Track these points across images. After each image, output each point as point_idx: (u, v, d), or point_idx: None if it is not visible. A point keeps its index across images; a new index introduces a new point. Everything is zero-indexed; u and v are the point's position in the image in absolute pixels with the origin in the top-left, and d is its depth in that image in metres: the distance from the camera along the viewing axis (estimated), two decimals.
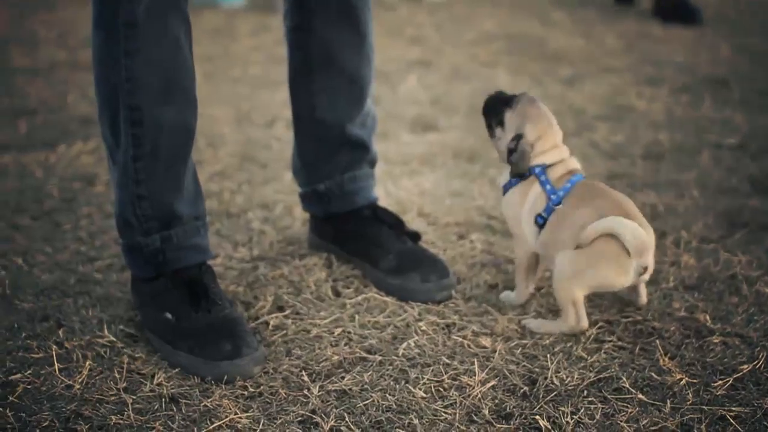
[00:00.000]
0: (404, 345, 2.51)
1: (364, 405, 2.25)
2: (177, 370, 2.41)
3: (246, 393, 2.31)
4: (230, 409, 2.24)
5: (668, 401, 2.27)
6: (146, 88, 2.44)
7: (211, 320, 2.49)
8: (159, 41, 2.44)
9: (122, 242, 2.63)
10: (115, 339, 2.54)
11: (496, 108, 2.72)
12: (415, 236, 2.95)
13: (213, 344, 2.42)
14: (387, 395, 2.29)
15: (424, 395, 2.29)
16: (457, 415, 2.22)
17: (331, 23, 2.79)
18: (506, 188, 2.72)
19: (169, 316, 2.52)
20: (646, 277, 2.57)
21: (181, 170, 2.57)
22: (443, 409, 2.24)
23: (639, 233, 2.49)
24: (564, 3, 7.61)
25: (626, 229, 2.48)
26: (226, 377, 2.38)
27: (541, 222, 2.63)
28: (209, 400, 2.28)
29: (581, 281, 2.53)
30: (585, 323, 2.57)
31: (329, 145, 2.92)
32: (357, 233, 2.94)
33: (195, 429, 2.17)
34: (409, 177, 3.71)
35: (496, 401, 2.27)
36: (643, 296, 2.72)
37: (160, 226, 2.56)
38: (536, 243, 2.66)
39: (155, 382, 2.36)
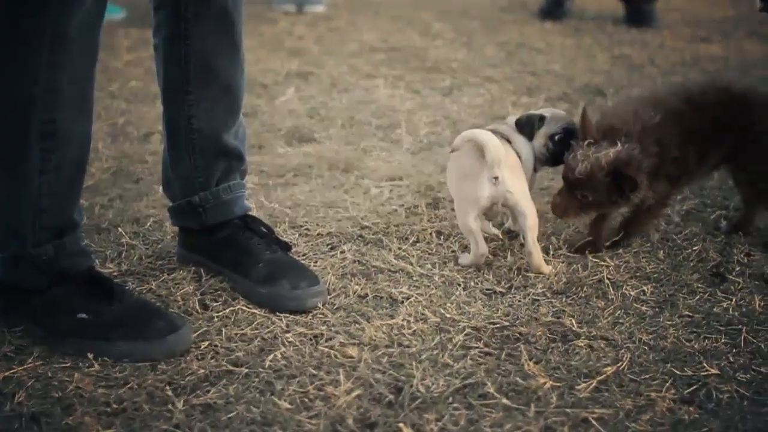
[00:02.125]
0: (271, 357, 2.49)
1: (228, 418, 2.23)
2: (39, 387, 2.36)
3: (109, 410, 2.27)
4: (92, 426, 2.20)
5: (532, 405, 2.29)
6: (66, 101, 2.42)
7: (128, 307, 2.55)
8: (86, 55, 2.43)
9: (3, 256, 2.58)
10: None
11: None
12: (286, 246, 2.94)
13: (148, 325, 2.49)
14: (252, 407, 2.27)
15: (289, 406, 2.28)
16: (322, 425, 2.21)
17: (209, 33, 2.77)
18: None
19: (84, 316, 2.51)
20: (510, 198, 2.96)
21: (81, 180, 2.59)
22: (308, 420, 2.23)
23: (497, 145, 2.91)
24: (446, 14, 7.68)
25: (487, 138, 2.93)
26: (173, 351, 2.48)
27: None
28: (71, 417, 2.24)
29: (459, 206, 3.01)
30: (483, 249, 3.00)
31: (206, 156, 2.89)
32: (227, 244, 2.92)
33: None
34: (283, 189, 3.70)
35: (361, 410, 2.27)
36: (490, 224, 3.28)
37: (53, 236, 2.54)
38: None
39: (16, 401, 2.31)
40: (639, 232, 3.23)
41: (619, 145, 2.96)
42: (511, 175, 2.97)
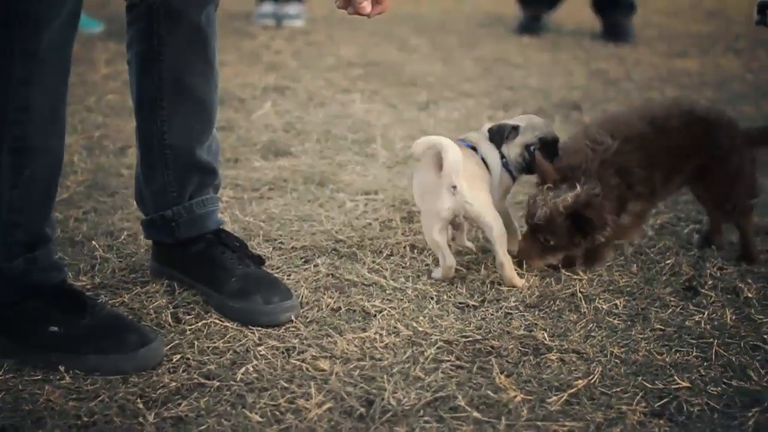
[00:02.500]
0: (243, 370, 2.49)
1: (200, 431, 2.23)
2: (9, 400, 2.35)
3: (80, 423, 2.26)
4: None
5: (503, 418, 2.29)
6: (38, 117, 2.42)
7: (100, 320, 2.54)
8: (57, 71, 2.43)
9: None
10: None
11: None
12: (259, 260, 2.94)
13: (120, 338, 2.49)
14: (223, 420, 2.27)
15: (260, 419, 2.28)
16: None
17: (182, 49, 2.77)
18: None
19: (55, 329, 2.51)
20: (470, 210, 2.98)
21: (52, 194, 2.58)
22: None
23: (456, 151, 2.93)
24: (423, 29, 7.71)
25: (446, 143, 2.94)
26: (145, 364, 2.48)
27: None
28: (41, 430, 2.23)
29: (423, 219, 3.08)
30: (451, 262, 3.03)
31: (179, 170, 2.89)
32: (200, 258, 2.92)
33: None
34: (258, 202, 3.70)
35: (332, 423, 2.27)
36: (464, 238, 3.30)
37: (24, 249, 2.53)
38: None
39: None
40: (606, 254, 3.21)
41: (578, 187, 2.95)
42: (470, 186, 2.97)
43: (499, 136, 3.16)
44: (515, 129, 3.16)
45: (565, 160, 3.08)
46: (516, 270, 3.03)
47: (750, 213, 3.30)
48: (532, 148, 3.14)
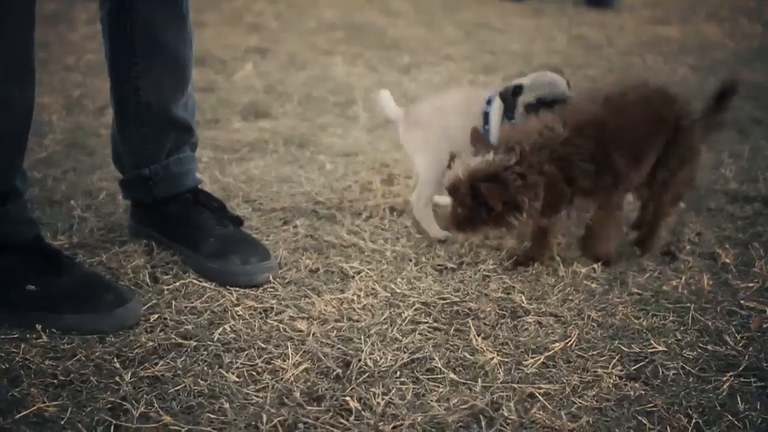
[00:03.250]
0: (220, 330, 2.49)
1: (176, 390, 2.23)
2: None
3: (56, 381, 2.26)
4: (39, 398, 2.19)
5: (479, 380, 2.30)
6: (2, 69, 2.38)
7: (78, 279, 2.54)
8: (19, 21, 2.40)
9: None
10: None
11: None
12: (237, 221, 2.94)
13: (97, 298, 2.49)
14: (199, 380, 2.27)
15: (237, 379, 2.28)
16: (269, 398, 2.21)
17: (154, 5, 2.75)
18: None
19: (32, 287, 2.50)
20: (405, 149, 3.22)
21: (22, 147, 2.55)
22: (255, 393, 2.23)
23: (389, 105, 3.28)
24: None
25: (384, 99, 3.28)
26: (122, 324, 2.48)
27: None
28: (17, 389, 2.22)
29: None
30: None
31: (155, 128, 2.88)
32: (178, 218, 2.91)
33: (0, 419, 2.12)
34: (238, 163, 3.69)
35: (309, 384, 2.27)
36: None
37: None
38: None
39: None
40: (599, 248, 3.01)
41: (490, 156, 2.73)
42: (406, 130, 3.21)
43: (507, 97, 3.08)
44: (519, 88, 3.09)
45: (514, 135, 2.84)
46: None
47: (677, 204, 3.20)
48: (528, 107, 3.04)
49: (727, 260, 2.98)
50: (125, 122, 2.90)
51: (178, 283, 2.74)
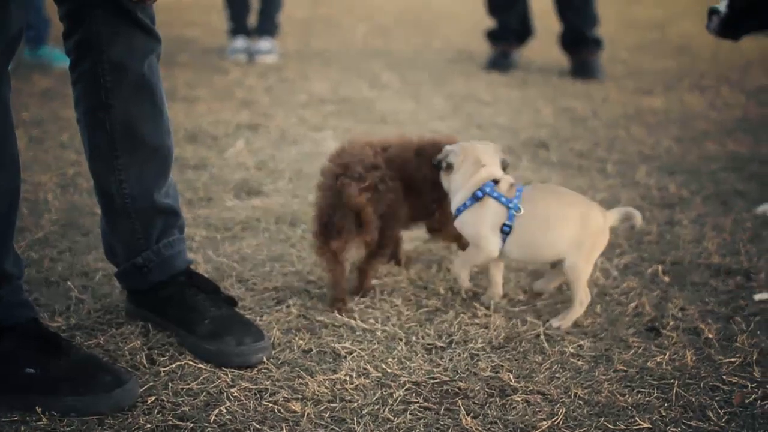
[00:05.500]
0: (216, 411, 2.55)
1: None
2: None
3: None
4: None
5: None
6: None
7: (76, 361, 2.60)
8: None
9: None
10: None
11: None
12: (232, 302, 3.01)
13: (95, 379, 2.54)
14: None
15: None
16: None
17: (130, 98, 2.82)
18: (459, 211, 3.19)
19: (31, 370, 2.55)
20: None
21: (9, 232, 2.60)
22: None
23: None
24: (394, 65, 7.79)
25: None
26: (120, 405, 2.53)
27: (507, 230, 3.11)
28: None
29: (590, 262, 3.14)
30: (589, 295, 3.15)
31: (142, 217, 2.95)
32: (174, 300, 2.98)
33: None
34: (231, 242, 3.76)
35: None
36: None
37: None
38: (503, 249, 3.16)
39: None
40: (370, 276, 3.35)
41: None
42: None
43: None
44: None
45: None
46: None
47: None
48: None
49: (710, 335, 3.05)
50: (113, 216, 2.97)
51: (174, 365, 2.79)
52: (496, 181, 3.18)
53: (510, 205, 3.10)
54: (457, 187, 3.22)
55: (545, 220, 3.09)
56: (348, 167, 3.15)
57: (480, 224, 3.15)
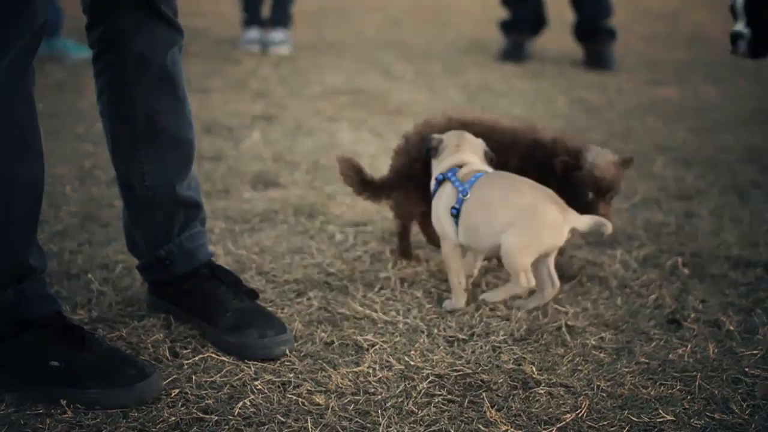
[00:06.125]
0: (240, 404, 2.55)
1: None
2: None
3: None
4: None
5: None
6: (4, 148, 2.45)
7: (99, 354, 2.61)
8: (15, 100, 2.46)
9: None
10: None
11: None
12: (253, 294, 3.01)
13: (119, 372, 2.56)
14: None
15: None
16: None
17: (153, 91, 2.83)
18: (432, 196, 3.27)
19: (56, 363, 2.56)
20: None
21: (33, 226, 2.61)
22: None
23: None
24: (408, 56, 7.78)
25: None
26: (144, 398, 2.55)
27: (455, 213, 3.13)
28: None
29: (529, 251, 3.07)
30: (533, 282, 3.10)
31: (164, 209, 2.96)
32: (196, 293, 2.98)
33: None
34: (250, 234, 3.76)
35: None
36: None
37: (11, 281, 2.58)
38: (458, 234, 3.16)
39: None
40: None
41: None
42: None
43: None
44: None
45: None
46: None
47: None
48: None
49: (731, 327, 3.05)
50: (134, 207, 2.98)
51: (197, 357, 2.80)
52: (460, 166, 3.21)
53: (460, 188, 3.13)
54: (435, 173, 3.28)
55: (486, 205, 3.09)
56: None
57: (438, 207, 3.21)
